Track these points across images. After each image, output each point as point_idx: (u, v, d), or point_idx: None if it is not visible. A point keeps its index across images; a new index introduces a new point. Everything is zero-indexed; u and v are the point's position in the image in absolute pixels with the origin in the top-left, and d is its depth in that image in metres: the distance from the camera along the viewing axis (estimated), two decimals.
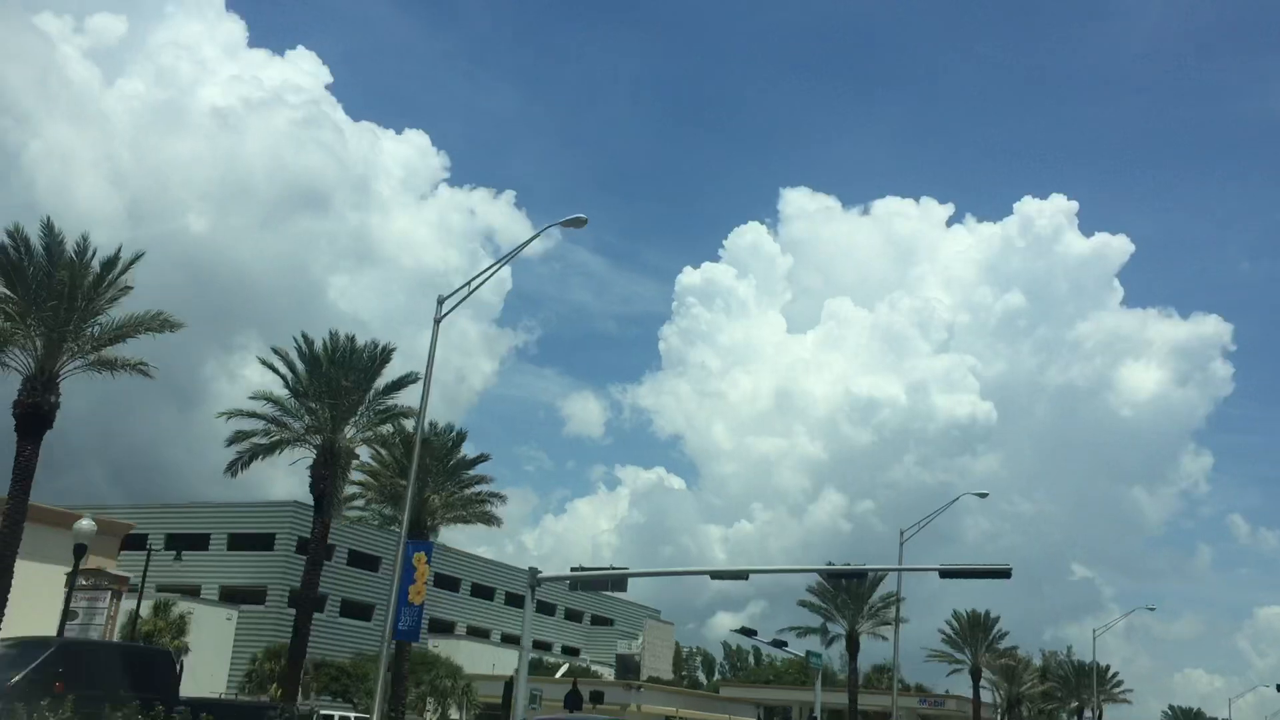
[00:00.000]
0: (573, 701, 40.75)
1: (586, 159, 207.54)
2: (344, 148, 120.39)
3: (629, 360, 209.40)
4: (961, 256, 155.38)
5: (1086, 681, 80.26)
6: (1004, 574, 21.63)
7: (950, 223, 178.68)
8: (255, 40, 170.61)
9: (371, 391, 31.99)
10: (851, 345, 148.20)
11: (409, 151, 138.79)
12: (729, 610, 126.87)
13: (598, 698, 46.38)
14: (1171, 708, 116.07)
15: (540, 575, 23.90)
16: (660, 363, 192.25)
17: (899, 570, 24.37)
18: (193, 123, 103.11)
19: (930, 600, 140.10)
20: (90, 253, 26.07)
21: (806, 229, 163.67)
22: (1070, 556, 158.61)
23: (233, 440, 31.16)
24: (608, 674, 76.84)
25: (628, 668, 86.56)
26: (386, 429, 33.40)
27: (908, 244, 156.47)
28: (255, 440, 31.12)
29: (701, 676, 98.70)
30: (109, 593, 32.59)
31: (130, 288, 26.42)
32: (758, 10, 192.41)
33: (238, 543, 58.03)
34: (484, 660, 64.13)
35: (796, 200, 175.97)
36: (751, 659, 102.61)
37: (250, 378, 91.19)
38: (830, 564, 39.81)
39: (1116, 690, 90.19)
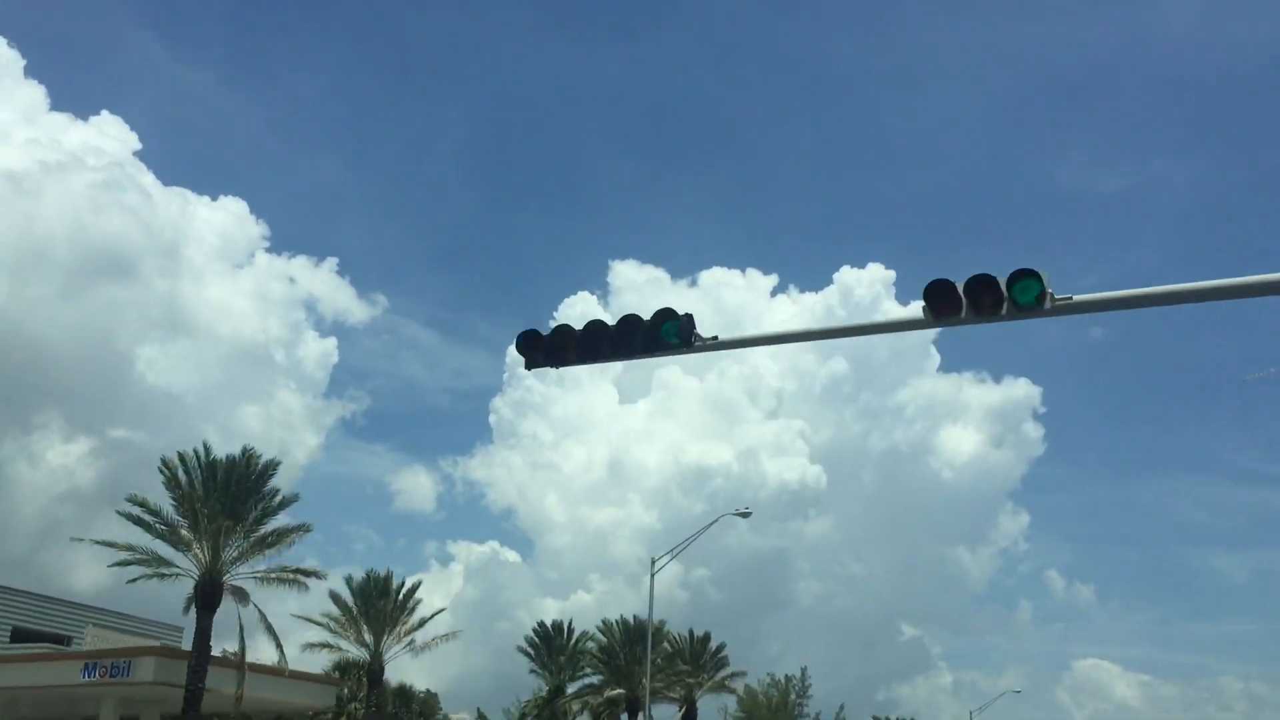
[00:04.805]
0: None
1: (413, 228, 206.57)
2: (152, 213, 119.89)
3: (460, 434, 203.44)
4: (786, 325, 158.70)
5: None
6: None
7: (775, 293, 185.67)
8: (57, 105, 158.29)
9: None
10: (683, 414, 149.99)
11: (225, 219, 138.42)
12: None
13: None
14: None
15: None
16: (491, 435, 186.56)
17: None
18: None
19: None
20: None
21: (636, 300, 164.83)
22: (899, 616, 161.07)
23: None
24: None
25: None
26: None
27: (734, 314, 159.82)
28: None
29: None
30: None
31: None
32: (582, 81, 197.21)
33: None
34: None
35: (625, 272, 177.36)
36: None
37: (52, 461, 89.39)
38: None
39: None
